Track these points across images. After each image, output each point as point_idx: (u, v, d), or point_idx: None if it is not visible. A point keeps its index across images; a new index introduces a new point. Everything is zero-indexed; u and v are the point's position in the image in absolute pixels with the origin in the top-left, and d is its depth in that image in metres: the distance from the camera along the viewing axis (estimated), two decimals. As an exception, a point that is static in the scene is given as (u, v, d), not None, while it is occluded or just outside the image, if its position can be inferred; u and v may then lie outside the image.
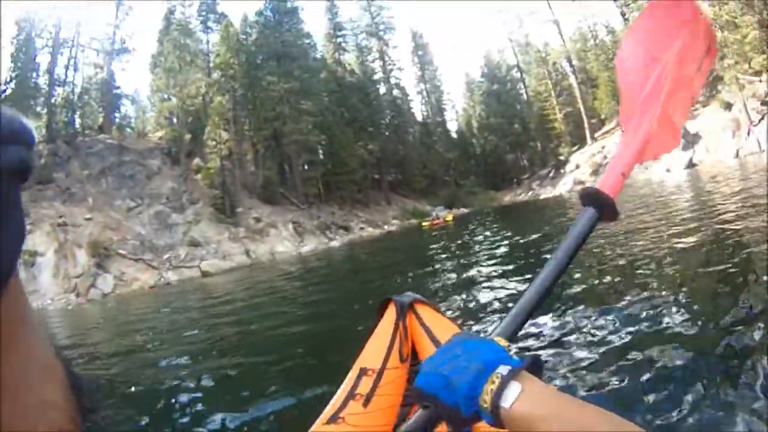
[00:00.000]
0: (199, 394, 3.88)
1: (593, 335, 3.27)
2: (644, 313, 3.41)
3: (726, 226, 6.34)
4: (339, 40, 57.77)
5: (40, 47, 39.85)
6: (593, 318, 3.59)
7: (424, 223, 35.92)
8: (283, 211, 39.14)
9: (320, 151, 46.80)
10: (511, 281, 5.99)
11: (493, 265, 7.80)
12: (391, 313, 1.65)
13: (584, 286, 4.67)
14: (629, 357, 2.79)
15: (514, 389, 0.62)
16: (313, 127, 43.25)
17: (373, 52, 59.87)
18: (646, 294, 3.83)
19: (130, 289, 27.25)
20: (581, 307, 3.88)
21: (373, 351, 1.53)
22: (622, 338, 3.12)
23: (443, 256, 11.94)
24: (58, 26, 40.46)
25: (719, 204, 9.08)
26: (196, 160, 38.81)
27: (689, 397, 2.23)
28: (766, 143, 27.92)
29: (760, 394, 2.08)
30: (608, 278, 4.80)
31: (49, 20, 40.14)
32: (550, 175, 53.59)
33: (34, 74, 39.17)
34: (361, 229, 41.42)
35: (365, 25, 59.69)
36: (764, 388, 2.10)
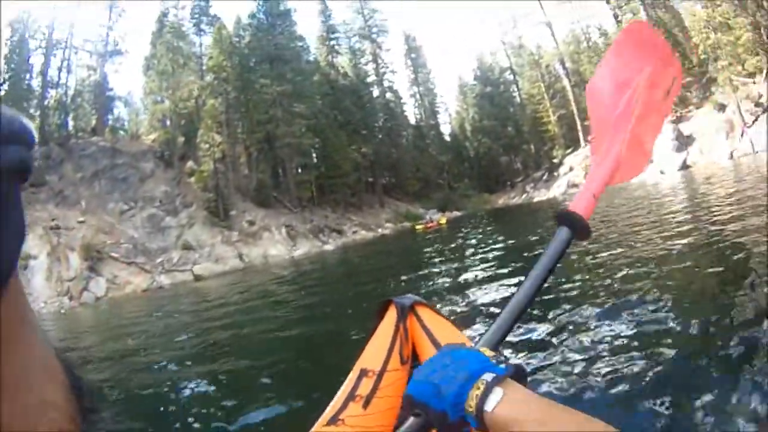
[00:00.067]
0: (192, 399, 3.85)
1: (590, 336, 3.26)
2: (640, 315, 3.41)
3: (722, 227, 6.36)
4: (332, 42, 57.70)
5: (33, 49, 39.83)
6: (589, 319, 3.59)
7: (417, 227, 35.94)
8: (277, 215, 39.04)
9: (313, 154, 46.83)
10: (504, 284, 5.98)
11: (486, 268, 7.78)
12: (391, 314, 1.64)
13: (580, 288, 4.67)
14: (627, 358, 2.78)
15: (497, 394, 0.67)
16: (306, 130, 43.23)
17: (366, 55, 59.90)
18: (640, 296, 3.83)
19: (123, 292, 27.14)
20: (577, 308, 3.87)
21: (374, 352, 1.52)
22: (619, 339, 3.12)
23: (437, 259, 11.92)
24: (51, 28, 40.47)
25: (714, 205, 9.10)
26: (190, 163, 38.71)
27: (689, 397, 2.23)
28: (761, 144, 28.04)
29: (759, 394, 2.07)
30: (604, 280, 4.80)
31: (43, 21, 40.14)
32: (544, 177, 53.74)
33: (28, 76, 39.10)
34: (355, 232, 41.36)
35: (358, 28, 59.76)
36: (763, 388, 2.09)
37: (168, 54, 40.15)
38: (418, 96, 67.44)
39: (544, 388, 2.63)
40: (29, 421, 0.30)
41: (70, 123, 40.75)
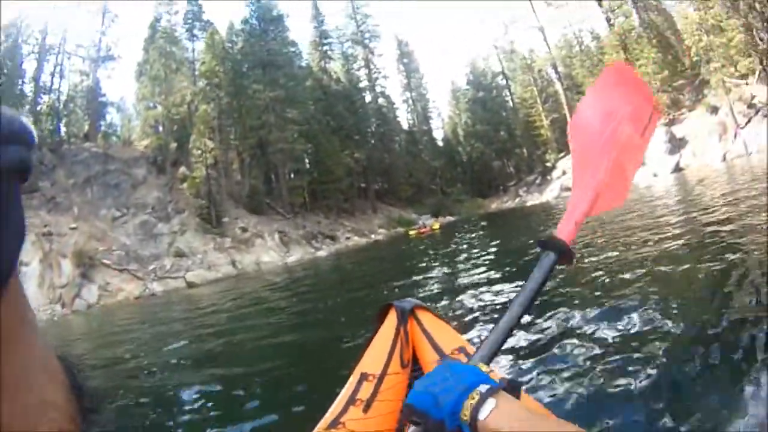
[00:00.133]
0: (183, 407, 3.82)
1: (585, 340, 3.25)
2: (636, 317, 3.40)
3: (716, 228, 6.37)
4: (325, 48, 57.79)
5: (26, 54, 39.71)
6: (584, 322, 3.57)
7: (411, 232, 35.93)
8: (269, 221, 38.97)
9: (306, 160, 46.80)
10: (498, 289, 5.97)
11: (480, 273, 7.77)
12: (392, 318, 1.65)
13: (575, 291, 4.66)
14: (623, 360, 2.77)
15: (490, 404, 0.72)
16: (299, 135, 43.27)
17: (358, 60, 60.02)
18: (636, 298, 3.82)
19: (115, 299, 27.00)
20: (572, 311, 3.86)
21: (374, 356, 1.54)
22: (616, 341, 3.11)
23: (431, 264, 11.91)
24: (44, 32, 40.33)
25: (709, 207, 9.11)
26: (182, 169, 38.60)
27: (688, 400, 2.23)
28: (754, 146, 28.20)
29: (759, 395, 2.06)
30: (599, 283, 4.79)
31: (36, 26, 40.03)
32: (537, 181, 53.93)
33: (20, 81, 38.93)
34: (348, 238, 41.30)
35: (351, 33, 59.93)
36: (763, 388, 2.08)
37: (161, 59, 40.10)
38: (410, 101, 67.70)
39: (541, 393, 2.62)
40: (29, 421, 0.30)
41: (63, 129, 40.67)
